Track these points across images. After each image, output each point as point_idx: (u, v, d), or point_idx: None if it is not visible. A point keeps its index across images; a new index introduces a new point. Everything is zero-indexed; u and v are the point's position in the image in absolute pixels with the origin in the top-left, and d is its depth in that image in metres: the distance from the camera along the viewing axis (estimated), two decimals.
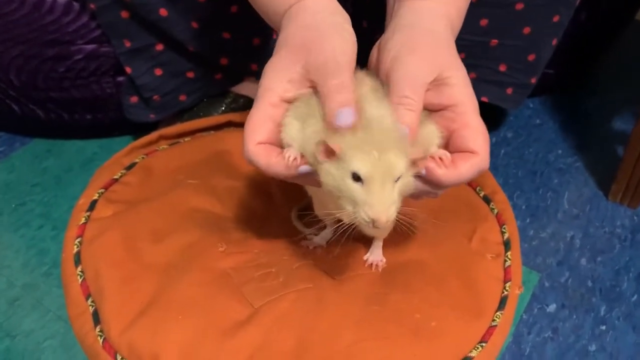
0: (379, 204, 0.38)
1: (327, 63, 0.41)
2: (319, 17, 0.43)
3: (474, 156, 0.41)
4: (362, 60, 0.47)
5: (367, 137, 0.39)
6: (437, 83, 0.42)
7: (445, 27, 0.45)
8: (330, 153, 0.39)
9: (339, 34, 0.42)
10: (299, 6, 0.44)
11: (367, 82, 0.43)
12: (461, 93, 0.42)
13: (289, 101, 0.43)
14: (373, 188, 0.38)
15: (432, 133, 0.43)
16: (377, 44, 0.46)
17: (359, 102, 0.41)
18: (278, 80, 0.42)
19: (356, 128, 0.39)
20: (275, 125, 0.42)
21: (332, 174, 0.39)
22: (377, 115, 0.40)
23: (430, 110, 0.44)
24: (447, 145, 0.43)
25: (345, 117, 0.39)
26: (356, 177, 0.38)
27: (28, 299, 0.71)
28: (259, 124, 0.42)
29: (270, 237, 0.58)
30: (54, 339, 0.67)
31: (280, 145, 0.43)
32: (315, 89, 0.42)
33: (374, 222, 0.38)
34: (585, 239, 0.79)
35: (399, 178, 0.39)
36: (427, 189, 0.43)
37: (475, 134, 0.42)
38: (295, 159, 0.41)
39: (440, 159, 0.41)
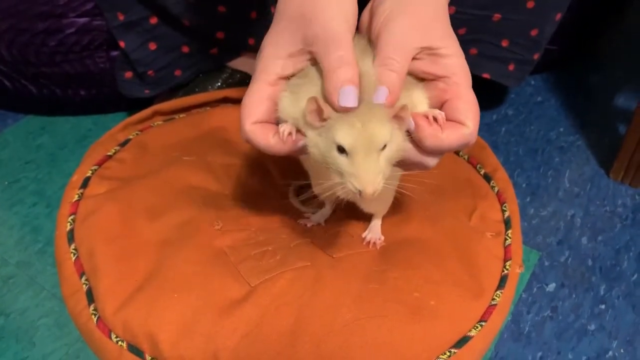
0: (364, 174, 0.38)
1: (326, 34, 0.39)
2: None
3: (464, 128, 0.40)
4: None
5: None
6: (429, 52, 0.41)
7: None
8: (319, 113, 0.38)
9: (337, 1, 0.40)
10: None
11: (357, 45, 0.42)
12: (455, 64, 0.41)
13: (287, 78, 0.42)
14: (357, 159, 0.38)
15: (417, 98, 0.42)
16: (368, 6, 0.44)
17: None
18: (277, 57, 0.41)
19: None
20: (273, 104, 0.41)
21: (318, 146, 0.39)
22: (362, 84, 0.39)
23: (423, 79, 0.42)
24: None
25: (348, 96, 0.38)
26: (341, 149, 0.38)
27: (22, 276, 0.71)
28: (256, 103, 0.41)
29: (267, 215, 0.57)
30: (48, 317, 0.67)
31: (277, 122, 0.42)
32: (315, 60, 0.41)
33: (360, 193, 0.38)
34: (586, 217, 0.79)
35: (385, 147, 0.38)
36: (414, 157, 0.42)
37: (468, 106, 0.41)
38: (290, 133, 0.40)
39: (435, 119, 0.40)
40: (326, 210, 0.56)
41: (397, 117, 0.39)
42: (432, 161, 0.42)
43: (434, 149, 0.41)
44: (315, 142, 0.39)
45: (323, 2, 0.40)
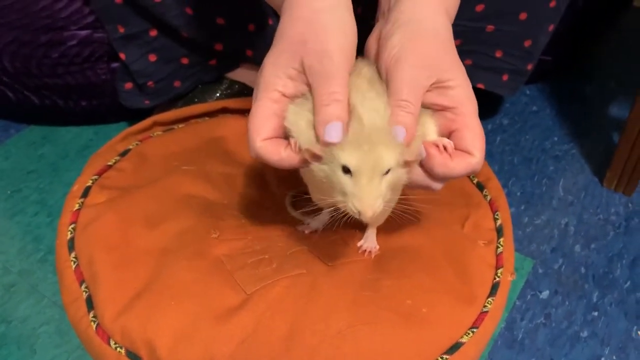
0: (366, 197, 0.40)
1: (322, 68, 0.41)
2: (319, 7, 0.42)
3: (471, 157, 0.43)
4: (359, 47, 0.47)
5: (358, 131, 0.40)
6: (437, 85, 0.43)
7: (444, 21, 0.45)
8: (317, 158, 0.40)
9: (339, 29, 0.42)
10: None
11: (364, 73, 0.44)
12: (462, 95, 0.43)
13: (290, 96, 0.43)
14: (361, 181, 0.39)
15: (428, 127, 0.44)
16: (375, 33, 0.46)
17: (353, 92, 0.41)
18: (277, 77, 0.42)
19: (348, 122, 0.40)
20: (279, 120, 0.43)
21: (324, 168, 0.41)
22: (371, 109, 0.41)
23: (432, 109, 0.44)
24: None
25: (333, 132, 0.40)
26: (346, 170, 0.40)
27: (24, 285, 0.72)
28: (263, 120, 0.42)
29: (264, 223, 0.58)
30: (49, 325, 0.68)
31: (286, 137, 0.43)
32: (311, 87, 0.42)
33: (360, 214, 0.40)
34: (580, 226, 0.80)
35: (388, 171, 0.40)
36: (422, 181, 0.43)
37: (475, 136, 0.43)
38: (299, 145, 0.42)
39: (445, 147, 0.42)
40: (324, 217, 0.57)
41: (406, 163, 0.41)
42: (439, 185, 0.44)
43: (443, 176, 0.43)
44: (321, 164, 0.41)
45: (324, 30, 0.41)
